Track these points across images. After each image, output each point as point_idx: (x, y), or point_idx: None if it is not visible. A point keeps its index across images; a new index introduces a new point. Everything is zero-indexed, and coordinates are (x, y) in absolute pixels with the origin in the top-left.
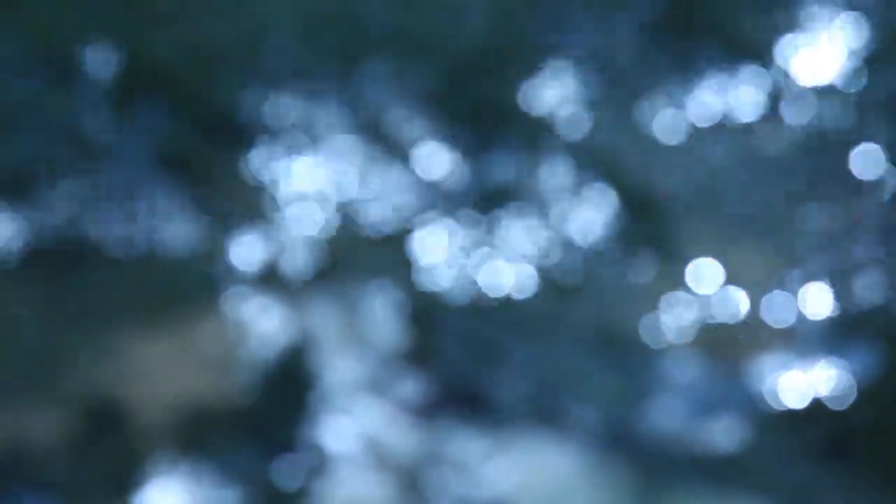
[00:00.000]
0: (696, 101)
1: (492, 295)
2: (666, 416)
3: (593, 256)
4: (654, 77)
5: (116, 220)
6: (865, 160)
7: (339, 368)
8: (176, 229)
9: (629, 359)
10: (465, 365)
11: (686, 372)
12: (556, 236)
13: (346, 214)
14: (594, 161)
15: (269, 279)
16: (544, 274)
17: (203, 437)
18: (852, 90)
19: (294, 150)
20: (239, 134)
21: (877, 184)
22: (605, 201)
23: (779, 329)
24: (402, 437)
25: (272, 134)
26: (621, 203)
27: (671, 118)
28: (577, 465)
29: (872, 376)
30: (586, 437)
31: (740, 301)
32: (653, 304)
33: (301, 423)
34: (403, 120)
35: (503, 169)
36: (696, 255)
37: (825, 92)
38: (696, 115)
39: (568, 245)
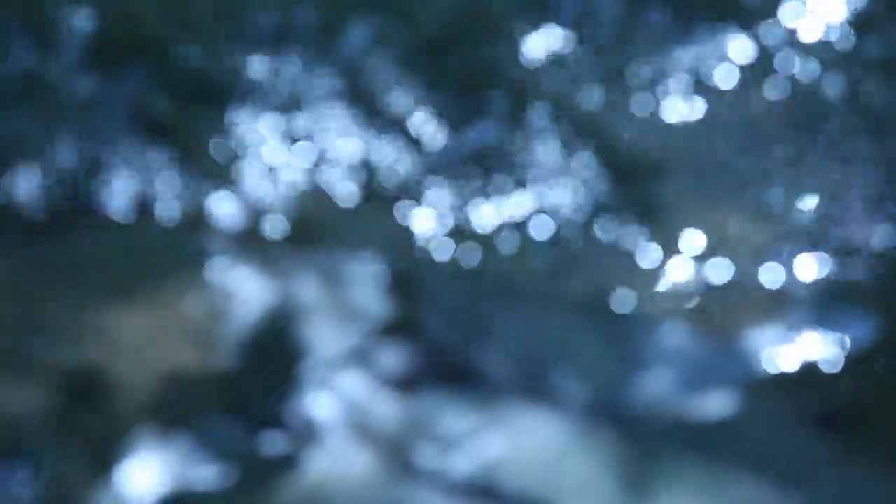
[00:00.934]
0: (686, 64)
1: (479, 264)
2: (656, 385)
3: (582, 225)
4: (644, 40)
5: (95, 186)
6: (858, 124)
7: (324, 339)
8: (156, 195)
9: (619, 328)
10: (452, 336)
11: (677, 341)
12: (544, 205)
13: (330, 181)
14: (582, 127)
15: (252, 247)
16: (532, 243)
17: (185, 409)
18: (846, 52)
19: (276, 115)
20: (220, 98)
21: (870, 148)
22: (593, 168)
23: (771, 297)
24: (386, 409)
25: (254, 99)
26: (610, 170)
27: (661, 82)
28: (566, 436)
29: (866, 345)
30: (575, 409)
31: (732, 269)
32: (643, 273)
33: (285, 395)
34: (386, 85)
35: (489, 136)
36: (687, 223)
37: (819, 54)
38: (687, 79)
39: (556, 214)
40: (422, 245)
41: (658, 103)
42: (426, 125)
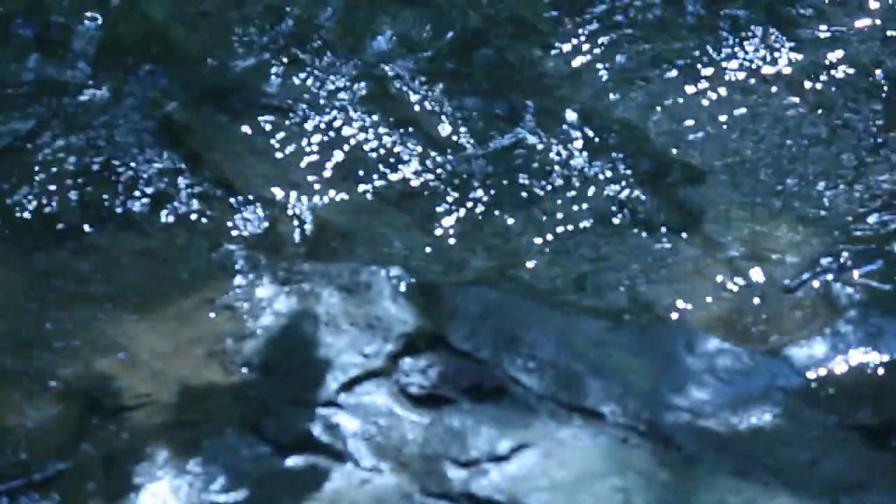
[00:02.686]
0: (726, 66)
1: (508, 273)
2: (694, 398)
3: (616, 232)
4: (680, 41)
5: (108, 193)
6: None
7: (346, 353)
8: (172, 203)
9: (655, 339)
10: (480, 348)
11: (716, 352)
12: (574, 210)
13: (352, 188)
14: (613, 130)
15: (272, 257)
16: (564, 250)
17: (204, 425)
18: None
19: (296, 118)
20: (237, 101)
21: None
22: (626, 173)
23: (816, 308)
24: (411, 424)
25: (273, 101)
26: (644, 175)
27: (698, 84)
28: (600, 452)
29: None
30: (609, 423)
31: (775, 278)
32: (680, 282)
33: (307, 411)
34: (413, 87)
35: (519, 139)
36: (728, 230)
37: (865, 56)
38: (727, 81)
39: (587, 220)
40: (447, 253)
41: (695, 106)
42: (452, 129)
